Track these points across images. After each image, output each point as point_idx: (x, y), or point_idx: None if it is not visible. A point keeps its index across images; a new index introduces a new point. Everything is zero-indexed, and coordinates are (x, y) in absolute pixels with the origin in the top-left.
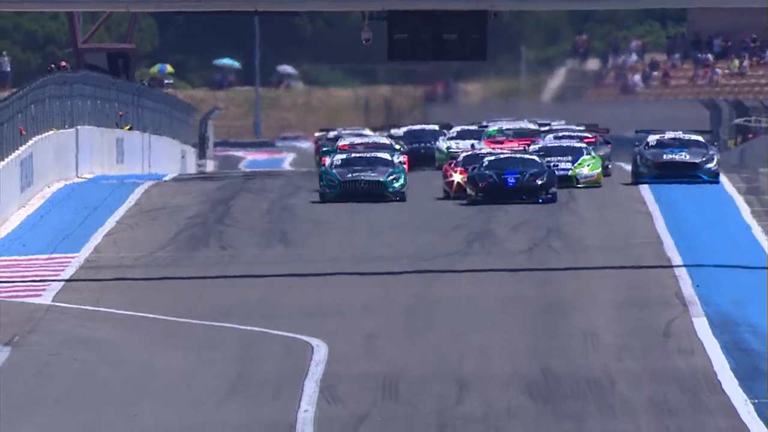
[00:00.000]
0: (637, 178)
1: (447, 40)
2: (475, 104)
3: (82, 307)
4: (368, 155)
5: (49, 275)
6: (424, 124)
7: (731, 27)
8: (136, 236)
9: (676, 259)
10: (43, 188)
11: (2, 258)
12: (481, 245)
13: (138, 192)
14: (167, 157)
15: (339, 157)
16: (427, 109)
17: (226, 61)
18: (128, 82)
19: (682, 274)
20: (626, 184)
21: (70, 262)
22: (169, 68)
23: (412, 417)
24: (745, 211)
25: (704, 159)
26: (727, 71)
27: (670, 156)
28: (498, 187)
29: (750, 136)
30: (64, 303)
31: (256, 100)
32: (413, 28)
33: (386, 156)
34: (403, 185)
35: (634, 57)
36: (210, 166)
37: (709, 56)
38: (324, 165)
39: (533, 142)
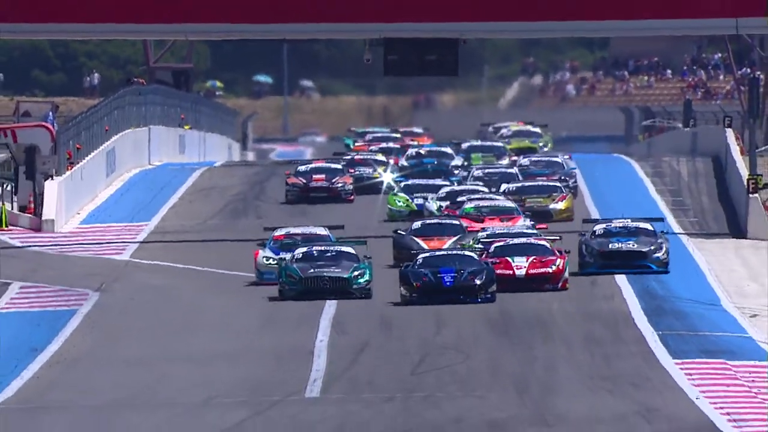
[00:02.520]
0: (583, 269)
1: (428, 60)
2: (449, 111)
3: (152, 262)
4: (332, 249)
5: (128, 238)
6: (413, 126)
7: (642, 51)
8: (193, 209)
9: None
10: (123, 173)
11: (93, 225)
12: None
13: (195, 175)
14: (217, 149)
15: (300, 251)
16: (413, 114)
17: (262, 77)
18: (188, 93)
19: None
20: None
21: (143, 228)
22: (218, 83)
23: (402, 345)
24: (651, 189)
25: (653, 248)
26: (638, 85)
27: (617, 245)
28: (434, 286)
29: (645, 135)
30: (139, 259)
31: (284, 106)
32: (402, 51)
33: (350, 250)
34: (368, 281)
35: (568, 74)
36: (249, 156)
37: (625, 73)
38: (284, 259)
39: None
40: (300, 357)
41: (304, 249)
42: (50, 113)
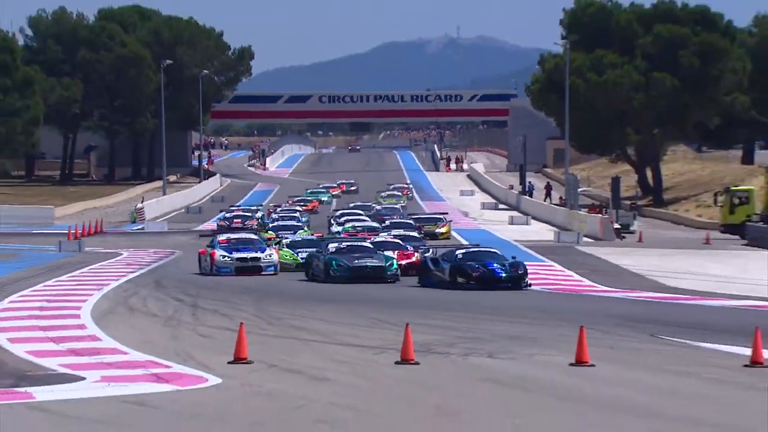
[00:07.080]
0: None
1: (362, 125)
2: (366, 141)
3: (294, 178)
4: (362, 244)
5: (285, 172)
6: (358, 145)
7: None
8: (304, 164)
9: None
10: (284, 156)
11: (277, 169)
12: None
13: (304, 156)
14: (308, 150)
15: (333, 246)
16: (358, 140)
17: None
18: (300, 135)
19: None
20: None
21: (289, 170)
22: (309, 134)
23: None
24: (415, 159)
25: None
26: (412, 133)
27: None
28: None
29: (415, 146)
30: (289, 176)
31: (323, 139)
32: (357, 125)
33: (367, 245)
34: (397, 269)
35: (398, 131)
36: (315, 151)
37: (412, 132)
38: None
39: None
40: None
41: (336, 244)
42: (267, 141)
